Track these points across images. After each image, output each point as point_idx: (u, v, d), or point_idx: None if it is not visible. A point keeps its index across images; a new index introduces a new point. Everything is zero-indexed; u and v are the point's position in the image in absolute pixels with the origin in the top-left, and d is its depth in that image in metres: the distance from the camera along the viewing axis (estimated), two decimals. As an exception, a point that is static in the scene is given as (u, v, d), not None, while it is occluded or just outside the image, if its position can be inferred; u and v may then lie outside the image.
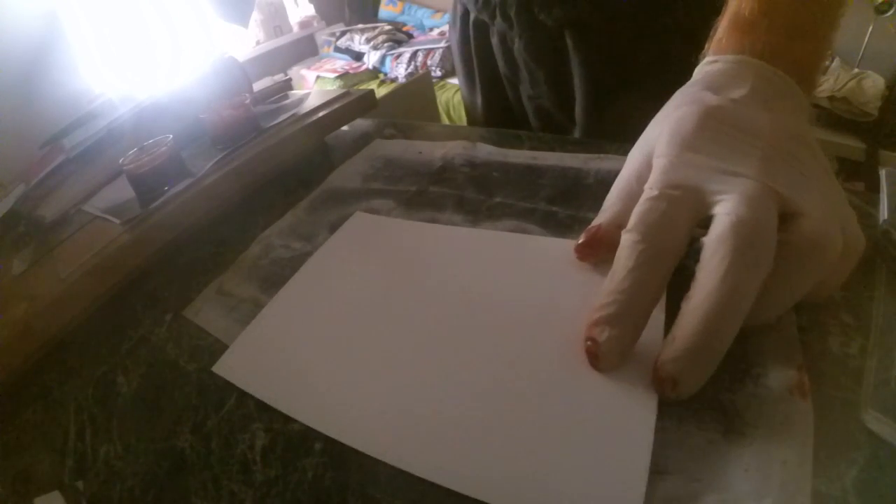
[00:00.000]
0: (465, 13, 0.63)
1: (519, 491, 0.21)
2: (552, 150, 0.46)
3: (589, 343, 0.24)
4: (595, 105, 0.55)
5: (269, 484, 0.24)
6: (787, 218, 0.23)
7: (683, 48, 0.52)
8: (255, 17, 2.74)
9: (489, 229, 0.38)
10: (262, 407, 0.28)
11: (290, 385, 0.29)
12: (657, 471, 0.21)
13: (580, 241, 0.30)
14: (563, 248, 0.32)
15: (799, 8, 0.28)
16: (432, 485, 0.23)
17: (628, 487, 0.21)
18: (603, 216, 0.30)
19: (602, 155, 0.43)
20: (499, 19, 0.56)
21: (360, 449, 0.25)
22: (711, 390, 0.24)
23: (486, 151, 0.48)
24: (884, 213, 0.30)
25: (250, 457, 0.26)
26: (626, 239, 0.24)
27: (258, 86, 0.65)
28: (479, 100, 0.67)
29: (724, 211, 0.22)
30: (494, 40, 0.59)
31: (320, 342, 0.31)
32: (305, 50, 2.99)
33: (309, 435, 0.26)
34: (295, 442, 0.26)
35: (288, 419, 0.27)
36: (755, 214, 0.22)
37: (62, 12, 0.66)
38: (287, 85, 0.65)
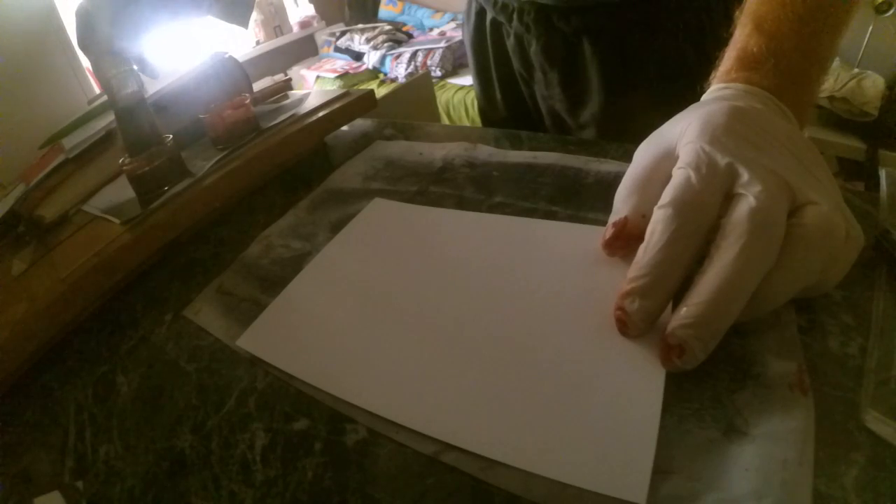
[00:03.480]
0: (481, 11, 0.63)
1: (533, 453, 0.23)
2: (552, 150, 0.46)
3: (619, 312, 0.26)
4: (609, 107, 0.56)
5: (269, 484, 0.24)
6: (795, 210, 0.24)
7: (693, 53, 0.52)
8: (255, 17, 2.74)
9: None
10: (262, 407, 0.28)
11: (314, 357, 0.30)
12: (658, 470, 0.21)
13: (608, 235, 0.30)
14: (580, 232, 0.35)
15: (799, 53, 0.30)
16: (432, 484, 0.23)
17: (637, 456, 0.22)
18: (624, 209, 0.30)
19: (601, 159, 0.43)
20: (516, 22, 0.57)
21: (384, 415, 0.26)
22: (711, 390, 0.24)
23: (487, 152, 0.48)
24: (884, 212, 0.30)
25: (250, 457, 0.26)
26: (661, 214, 0.25)
27: (258, 86, 0.65)
28: (497, 96, 0.68)
29: (745, 195, 0.24)
30: (510, 41, 0.60)
31: (344, 317, 0.32)
32: (305, 50, 2.99)
33: (309, 435, 0.26)
34: (295, 442, 0.26)
35: (288, 419, 0.27)
36: (771, 202, 0.23)
37: (62, 12, 0.66)
38: (287, 85, 0.65)
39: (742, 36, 0.32)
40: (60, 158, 0.53)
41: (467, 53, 0.71)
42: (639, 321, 0.25)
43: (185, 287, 0.39)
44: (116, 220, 0.42)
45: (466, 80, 2.23)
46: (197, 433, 0.28)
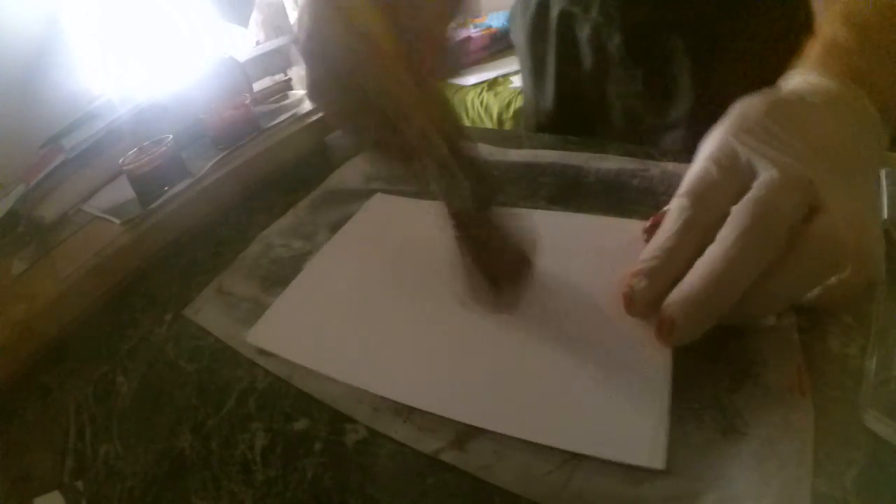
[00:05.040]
0: (544, 2, 0.59)
1: (548, 427, 0.24)
2: (553, 149, 0.46)
3: (626, 289, 0.27)
4: (700, 107, 0.52)
5: (269, 484, 0.24)
6: (809, 213, 0.24)
7: (785, 48, 0.48)
8: (255, 17, 2.73)
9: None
10: (262, 407, 0.28)
11: (327, 349, 0.30)
12: (657, 470, 0.21)
13: (650, 223, 0.31)
14: (580, 222, 0.36)
15: (885, 47, 0.29)
16: (432, 484, 0.23)
17: (652, 423, 0.23)
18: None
19: (602, 155, 0.43)
20: (595, 13, 0.53)
21: (402, 401, 0.26)
22: (711, 390, 0.24)
23: (487, 151, 0.48)
24: (884, 213, 0.30)
25: (250, 457, 0.26)
26: (676, 203, 0.27)
27: (258, 86, 0.65)
28: (550, 95, 0.63)
29: (756, 189, 0.24)
30: (584, 33, 0.55)
31: (353, 308, 0.33)
32: (305, 50, 2.99)
33: (309, 435, 0.26)
34: (295, 442, 0.26)
35: (288, 419, 0.27)
36: (776, 199, 0.24)
37: (62, 13, 0.66)
38: (287, 85, 0.65)
39: (830, 28, 0.31)
40: (60, 158, 0.53)
41: (519, 49, 0.65)
42: (641, 300, 0.27)
43: (185, 287, 0.39)
44: (116, 220, 0.42)
45: (466, 80, 2.23)
46: (197, 433, 0.28)
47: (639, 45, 0.52)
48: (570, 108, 0.62)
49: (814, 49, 0.31)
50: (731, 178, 0.26)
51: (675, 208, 0.27)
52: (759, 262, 0.23)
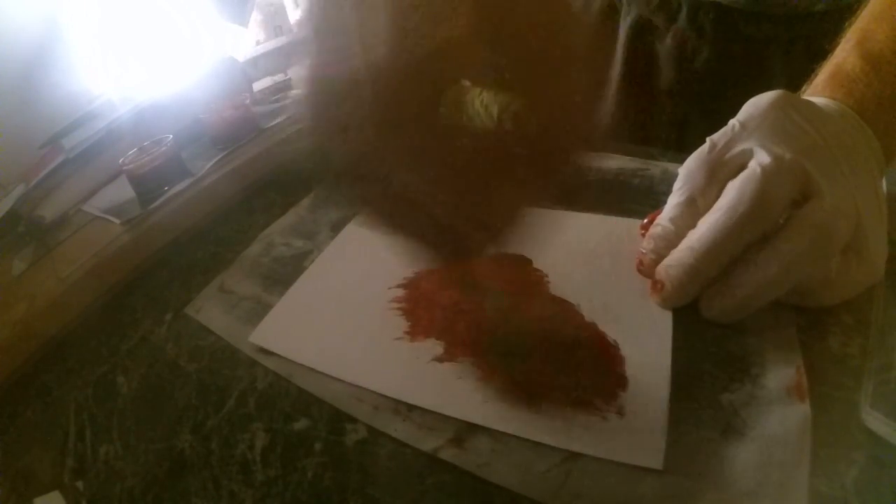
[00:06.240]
0: (610, 5, 0.54)
1: (548, 426, 0.24)
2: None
3: (640, 252, 0.30)
4: None
5: (269, 484, 0.24)
6: (802, 200, 0.25)
7: None
8: (255, 17, 2.73)
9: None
10: (262, 407, 0.28)
11: (329, 347, 0.30)
12: (655, 469, 0.21)
13: (646, 221, 0.33)
14: (594, 222, 0.36)
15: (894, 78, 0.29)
16: (432, 484, 0.23)
17: (650, 423, 0.23)
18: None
19: (603, 154, 0.43)
20: (683, 23, 0.48)
21: (405, 400, 0.26)
22: (710, 390, 0.24)
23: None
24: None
25: (250, 457, 0.26)
26: (676, 182, 0.30)
27: (258, 86, 0.65)
28: (607, 112, 0.56)
29: (746, 170, 0.26)
30: (665, 45, 0.51)
31: (356, 308, 0.33)
32: (305, 50, 2.99)
33: (309, 435, 0.26)
34: (295, 442, 0.26)
35: (288, 419, 0.27)
36: (766, 180, 0.25)
37: (62, 13, 0.66)
38: (287, 85, 0.65)
39: (842, 52, 0.31)
40: (60, 158, 0.53)
41: None
42: (650, 262, 0.29)
43: (185, 287, 0.39)
44: (116, 220, 0.42)
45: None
46: (197, 433, 0.28)
47: (733, 61, 0.48)
48: (634, 127, 0.56)
49: (822, 75, 0.31)
50: (722, 159, 0.27)
51: (675, 186, 0.29)
52: (744, 235, 0.25)
